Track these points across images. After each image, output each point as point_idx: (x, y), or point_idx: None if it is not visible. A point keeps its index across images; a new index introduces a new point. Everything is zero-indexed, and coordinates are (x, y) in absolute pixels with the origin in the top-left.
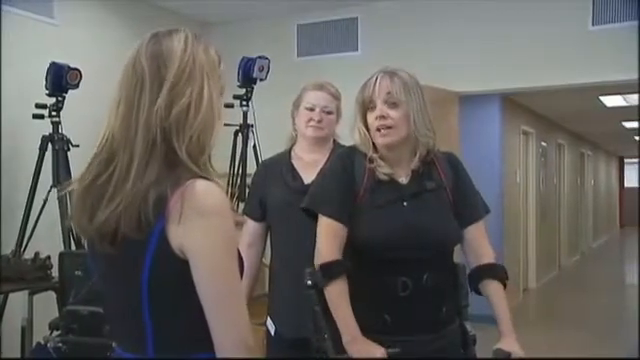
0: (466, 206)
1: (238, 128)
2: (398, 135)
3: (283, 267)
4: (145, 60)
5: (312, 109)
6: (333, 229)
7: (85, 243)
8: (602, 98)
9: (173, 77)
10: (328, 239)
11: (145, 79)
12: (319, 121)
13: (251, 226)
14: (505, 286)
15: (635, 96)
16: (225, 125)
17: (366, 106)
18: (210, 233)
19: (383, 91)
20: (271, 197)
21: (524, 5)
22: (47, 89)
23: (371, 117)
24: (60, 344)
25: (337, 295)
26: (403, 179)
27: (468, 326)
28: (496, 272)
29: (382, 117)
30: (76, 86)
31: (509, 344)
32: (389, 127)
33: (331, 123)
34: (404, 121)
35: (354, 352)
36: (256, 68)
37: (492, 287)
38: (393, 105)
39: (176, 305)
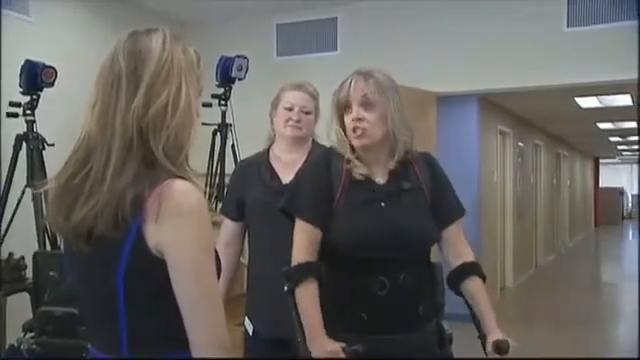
0: (444, 206)
1: (216, 127)
2: (373, 137)
3: (261, 267)
4: (122, 59)
5: (291, 109)
6: (308, 232)
7: (61, 242)
8: (577, 99)
9: (150, 76)
10: (303, 242)
11: (122, 78)
12: (297, 121)
13: (229, 226)
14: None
15: (609, 97)
16: (203, 124)
17: (342, 108)
18: (187, 233)
19: (358, 93)
20: (249, 197)
21: (501, 7)
22: (21, 87)
23: (347, 119)
24: (34, 346)
25: (305, 296)
26: (380, 179)
27: (445, 325)
28: (476, 269)
29: (358, 119)
30: (51, 84)
31: (501, 337)
32: (364, 129)
33: (310, 123)
34: (380, 122)
35: (314, 350)
36: (235, 67)
37: (473, 283)
38: (369, 107)
39: (152, 305)
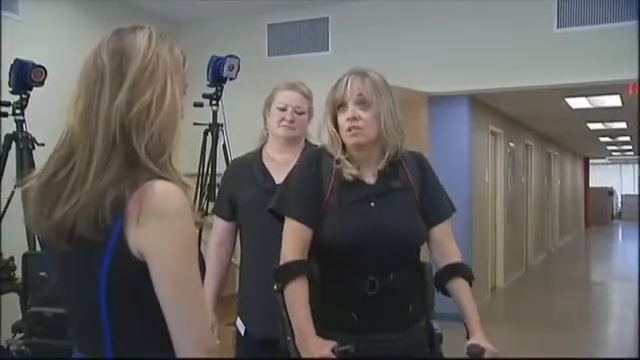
0: (433, 205)
1: (208, 127)
2: (368, 136)
3: (253, 267)
4: (106, 55)
5: (284, 109)
6: (298, 231)
7: (42, 241)
8: (567, 100)
9: (135, 73)
10: (292, 241)
11: (105, 74)
12: (291, 121)
13: (221, 225)
14: (471, 284)
15: (599, 98)
16: (194, 124)
17: (337, 107)
18: (168, 235)
19: (354, 92)
20: (242, 197)
21: (492, 8)
22: (11, 86)
23: (342, 118)
24: (23, 347)
25: (294, 295)
26: (370, 179)
27: (435, 324)
28: (462, 270)
29: (353, 118)
30: (41, 84)
31: (481, 340)
32: (360, 128)
33: (303, 123)
34: (374, 122)
35: (304, 350)
36: (226, 67)
37: (459, 285)
38: (364, 106)
39: (135, 306)
